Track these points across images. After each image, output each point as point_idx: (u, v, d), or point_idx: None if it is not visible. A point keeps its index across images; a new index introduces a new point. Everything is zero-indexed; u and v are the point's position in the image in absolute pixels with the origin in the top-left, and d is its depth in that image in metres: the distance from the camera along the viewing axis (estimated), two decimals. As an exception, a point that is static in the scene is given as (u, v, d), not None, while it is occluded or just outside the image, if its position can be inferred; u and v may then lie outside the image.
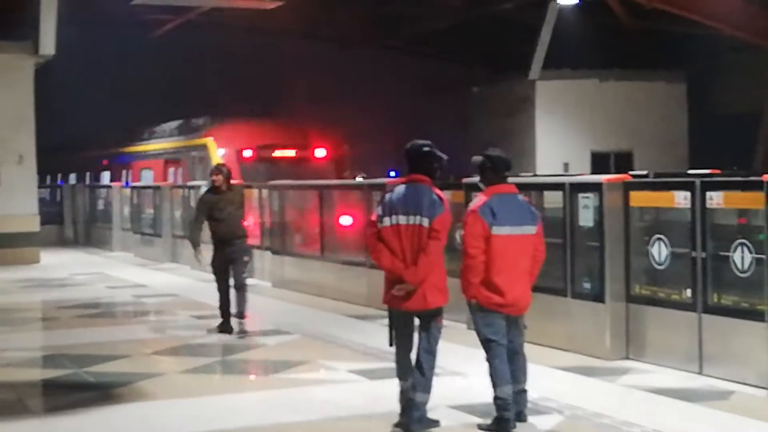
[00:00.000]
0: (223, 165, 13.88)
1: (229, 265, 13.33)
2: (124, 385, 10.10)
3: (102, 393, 9.81)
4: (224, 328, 13.14)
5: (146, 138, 35.64)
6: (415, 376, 8.08)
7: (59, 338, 13.80)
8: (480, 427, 8.05)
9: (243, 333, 13.07)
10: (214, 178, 13.51)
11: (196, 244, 13.96)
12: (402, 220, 8.03)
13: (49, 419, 9.03)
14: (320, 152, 30.07)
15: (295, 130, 31.10)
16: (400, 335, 8.30)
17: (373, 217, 8.38)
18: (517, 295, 8.01)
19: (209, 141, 29.95)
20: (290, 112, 34.39)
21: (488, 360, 7.97)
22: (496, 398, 7.91)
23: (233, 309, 13.24)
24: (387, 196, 8.39)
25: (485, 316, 7.97)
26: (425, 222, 7.97)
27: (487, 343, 7.98)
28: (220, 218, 13.26)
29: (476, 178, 8.85)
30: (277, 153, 29.69)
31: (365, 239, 8.70)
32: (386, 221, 8.09)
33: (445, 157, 8.50)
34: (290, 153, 29.82)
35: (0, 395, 9.85)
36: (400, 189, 8.28)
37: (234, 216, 13.39)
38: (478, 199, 8.10)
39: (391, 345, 8.36)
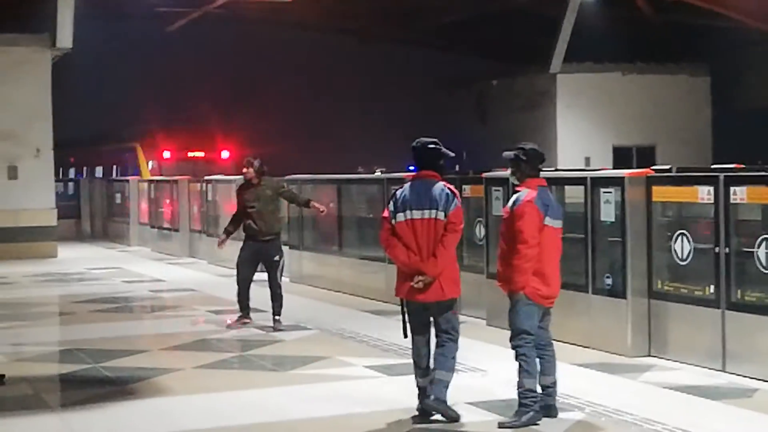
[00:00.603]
0: (254, 158, 13.65)
1: (256, 261, 13.34)
2: (141, 380, 10.13)
3: (119, 388, 9.84)
4: (244, 320, 13.21)
5: (106, 139, 41.76)
6: (437, 359, 8.27)
7: (76, 333, 13.85)
8: (501, 425, 7.98)
9: (279, 324, 13.11)
10: (244, 171, 13.51)
11: (224, 233, 14.26)
12: (416, 215, 8.19)
13: (66, 414, 9.06)
14: (225, 154, 36.95)
15: (205, 136, 36.63)
16: (416, 326, 8.44)
17: (385, 214, 8.48)
18: (557, 288, 8.23)
19: (137, 145, 38.36)
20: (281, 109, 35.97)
21: (521, 353, 7.99)
22: (528, 390, 7.93)
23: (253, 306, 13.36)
24: (398, 192, 8.53)
25: (529, 308, 8.02)
26: (441, 216, 8.17)
27: (523, 337, 8.00)
28: (249, 213, 13.27)
29: (503, 172, 8.97)
30: (190, 155, 37.47)
31: (380, 236, 8.66)
32: (400, 217, 8.25)
33: (451, 153, 8.72)
34: (200, 154, 36.85)
35: (17, 390, 9.88)
36: (411, 185, 8.48)
37: (262, 211, 13.24)
38: (529, 192, 8.09)
39: (405, 336, 8.49)
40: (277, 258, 13.28)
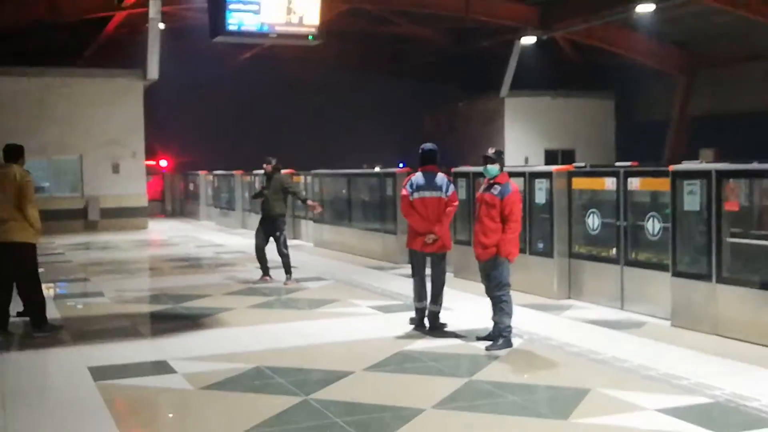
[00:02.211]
0: (273, 157, 13.46)
1: (268, 235, 13.10)
2: (207, 316, 10.18)
3: (192, 321, 9.88)
4: (265, 277, 13.14)
5: None
6: (433, 293, 9.05)
7: (161, 282, 13.91)
8: (488, 348, 8.04)
9: (289, 281, 12.91)
10: (264, 166, 13.42)
11: (255, 195, 14.52)
12: (426, 194, 8.86)
13: (154, 340, 9.15)
14: (163, 162, 35.20)
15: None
16: (419, 269, 9.15)
17: (404, 193, 8.98)
18: None
19: None
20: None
21: (504, 300, 8.15)
22: (507, 327, 8.15)
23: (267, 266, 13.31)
24: (412, 179, 9.00)
25: (509, 268, 8.24)
26: (444, 196, 8.87)
27: (506, 287, 8.20)
28: (264, 194, 13.24)
29: (468, 168, 9.27)
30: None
31: (401, 208, 9.19)
32: (416, 195, 8.87)
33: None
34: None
35: (119, 323, 9.95)
36: (422, 175, 8.98)
37: (270, 198, 13.03)
38: (512, 183, 8.34)
39: (413, 275, 9.20)
40: (278, 234, 13.01)
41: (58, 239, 21.32)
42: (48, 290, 12.56)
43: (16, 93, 23.85)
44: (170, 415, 6.42)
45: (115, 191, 25.39)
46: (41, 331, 9.04)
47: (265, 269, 13.22)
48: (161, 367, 7.58)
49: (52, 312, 10.59)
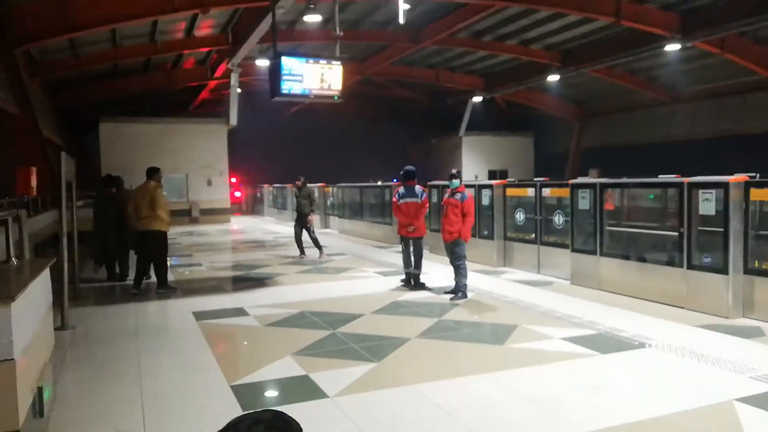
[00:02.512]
0: (302, 175, 13.30)
1: (299, 225, 12.94)
2: (269, 278, 10.18)
3: (259, 282, 9.87)
4: (302, 255, 12.85)
5: None
6: (414, 263, 9.10)
7: (238, 257, 13.88)
8: (452, 299, 8.03)
9: (322, 255, 12.80)
10: (296, 182, 13.29)
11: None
12: (408, 200, 8.95)
13: (234, 294, 9.11)
14: (233, 179, 30.40)
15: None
16: (404, 247, 9.23)
17: (394, 199, 9.15)
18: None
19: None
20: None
21: (462, 267, 8.14)
22: (464, 284, 8.16)
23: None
24: (399, 190, 9.14)
25: (464, 246, 8.21)
26: (419, 200, 8.90)
27: (463, 259, 8.17)
28: (297, 200, 13.07)
29: (441, 182, 9.33)
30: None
31: (393, 209, 9.24)
32: (401, 201, 8.94)
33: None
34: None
35: (210, 283, 9.93)
36: (404, 187, 9.10)
37: (301, 204, 12.90)
38: (468, 191, 8.37)
39: (402, 251, 9.28)
40: (307, 225, 12.82)
41: (172, 229, 21.16)
42: (168, 262, 12.61)
43: (143, 134, 23.84)
44: (245, 342, 6.43)
45: (209, 197, 25.28)
46: (162, 289, 9.07)
47: (301, 249, 13.06)
48: (239, 312, 7.58)
49: (170, 276, 10.61)
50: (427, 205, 9.18)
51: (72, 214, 8.20)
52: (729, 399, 4.38)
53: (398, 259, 10.95)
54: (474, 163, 29.87)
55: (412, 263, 9.15)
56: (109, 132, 23.33)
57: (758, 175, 7.20)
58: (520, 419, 4.13)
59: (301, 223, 13.02)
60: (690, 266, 7.26)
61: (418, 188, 9.05)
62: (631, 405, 4.33)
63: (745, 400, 4.36)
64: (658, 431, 3.93)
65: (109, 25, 14.83)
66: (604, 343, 5.87)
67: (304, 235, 13.07)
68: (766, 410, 4.18)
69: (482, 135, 30.05)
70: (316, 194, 17.83)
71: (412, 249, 9.15)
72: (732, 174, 7.03)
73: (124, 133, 23.55)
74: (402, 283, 9.25)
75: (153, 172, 9.22)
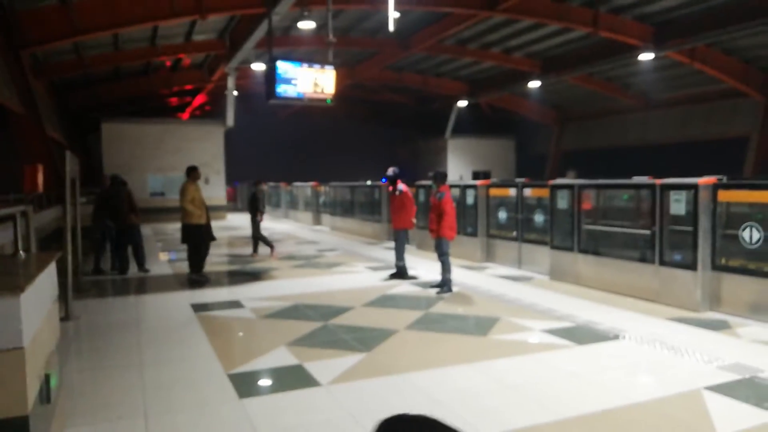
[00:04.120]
0: (259, 178, 13.31)
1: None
2: (263, 272, 10.16)
3: (254, 276, 9.86)
4: (254, 251, 12.79)
5: None
6: (401, 257, 9.28)
7: (234, 251, 13.81)
8: (438, 293, 8.06)
9: (253, 255, 12.54)
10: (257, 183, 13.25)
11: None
12: (396, 195, 9.20)
13: (231, 287, 9.05)
14: None
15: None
16: (398, 239, 9.38)
17: (390, 189, 9.40)
18: (455, 233, 8.42)
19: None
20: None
21: (447, 262, 8.17)
22: (448, 279, 8.17)
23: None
24: (390, 189, 9.44)
25: (448, 243, 8.19)
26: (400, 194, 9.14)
27: (447, 255, 8.18)
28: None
29: (430, 181, 9.44)
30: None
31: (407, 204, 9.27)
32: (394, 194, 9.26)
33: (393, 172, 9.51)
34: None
35: (209, 276, 9.91)
36: (391, 187, 9.34)
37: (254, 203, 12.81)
38: (447, 191, 8.31)
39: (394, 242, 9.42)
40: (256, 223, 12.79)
41: (171, 225, 21.13)
42: (163, 257, 12.52)
43: (146, 134, 23.66)
44: (241, 333, 6.42)
45: (206, 195, 24.83)
46: (195, 275, 9.40)
47: (255, 247, 12.76)
48: (236, 304, 7.57)
49: (167, 269, 10.54)
50: (409, 198, 9.24)
51: (75, 211, 8.14)
52: (697, 387, 4.44)
53: (386, 255, 10.98)
54: (459, 164, 29.96)
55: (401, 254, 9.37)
56: (110, 132, 23.15)
57: (726, 177, 7.27)
58: (503, 406, 4.16)
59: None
60: (662, 263, 7.34)
61: (402, 186, 9.25)
62: (606, 392, 4.38)
63: (713, 388, 4.42)
64: (631, 417, 3.98)
65: (111, 29, 14.73)
66: (581, 334, 5.92)
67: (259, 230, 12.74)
68: (732, 397, 4.25)
69: (467, 138, 30.14)
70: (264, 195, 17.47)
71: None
72: (701, 176, 7.11)
73: (125, 133, 23.37)
74: (393, 278, 9.30)
75: (187, 171, 9.45)
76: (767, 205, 6.59)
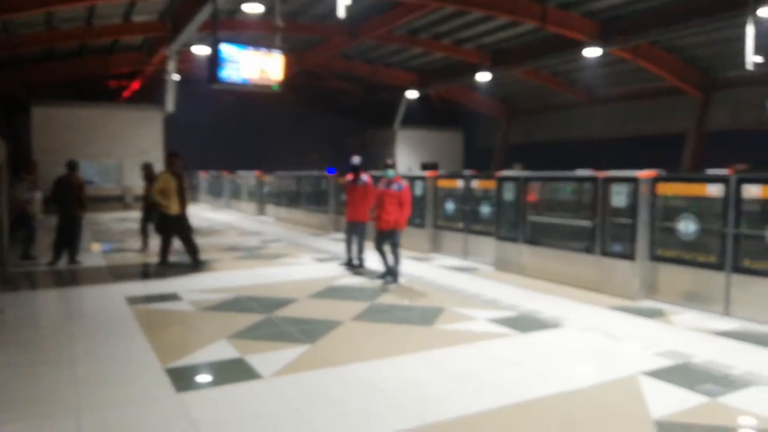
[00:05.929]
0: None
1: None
2: (211, 263, 9.94)
3: (194, 267, 9.61)
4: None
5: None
6: (361, 249, 9.37)
7: (173, 243, 13.48)
8: (385, 282, 8.12)
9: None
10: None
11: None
12: (359, 185, 9.22)
13: (169, 279, 8.80)
14: None
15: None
16: (356, 232, 9.40)
17: (351, 178, 9.40)
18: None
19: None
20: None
21: (397, 252, 8.20)
22: (396, 270, 8.21)
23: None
24: (348, 179, 9.44)
25: (400, 234, 8.23)
26: (365, 186, 9.18)
27: (398, 246, 8.21)
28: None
29: (377, 173, 9.53)
30: None
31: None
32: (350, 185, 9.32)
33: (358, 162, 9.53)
34: None
35: (145, 269, 9.58)
36: (354, 177, 9.33)
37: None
38: (403, 182, 8.29)
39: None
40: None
41: (105, 215, 20.42)
42: (96, 248, 12.07)
43: (80, 119, 22.76)
44: (179, 326, 6.26)
45: (143, 184, 24.26)
46: (196, 261, 9.52)
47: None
48: (173, 297, 7.37)
49: (101, 262, 10.18)
50: (372, 189, 9.19)
51: (1, 198, 7.73)
52: (634, 373, 4.64)
53: (333, 246, 10.93)
54: (408, 155, 30.11)
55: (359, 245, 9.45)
56: (41, 116, 22.11)
57: (665, 171, 7.58)
58: (445, 394, 4.23)
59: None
60: (603, 253, 7.61)
61: (365, 177, 9.33)
62: (548, 379, 4.51)
63: (649, 373, 4.63)
64: (572, 402, 4.12)
65: (44, 7, 14.02)
66: (525, 323, 6.08)
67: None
68: (666, 381, 4.46)
69: (416, 129, 30.29)
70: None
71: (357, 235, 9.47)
72: (641, 170, 7.40)
73: (58, 117, 22.38)
74: (342, 266, 9.38)
75: (167, 159, 9.37)
76: (702, 199, 6.92)
